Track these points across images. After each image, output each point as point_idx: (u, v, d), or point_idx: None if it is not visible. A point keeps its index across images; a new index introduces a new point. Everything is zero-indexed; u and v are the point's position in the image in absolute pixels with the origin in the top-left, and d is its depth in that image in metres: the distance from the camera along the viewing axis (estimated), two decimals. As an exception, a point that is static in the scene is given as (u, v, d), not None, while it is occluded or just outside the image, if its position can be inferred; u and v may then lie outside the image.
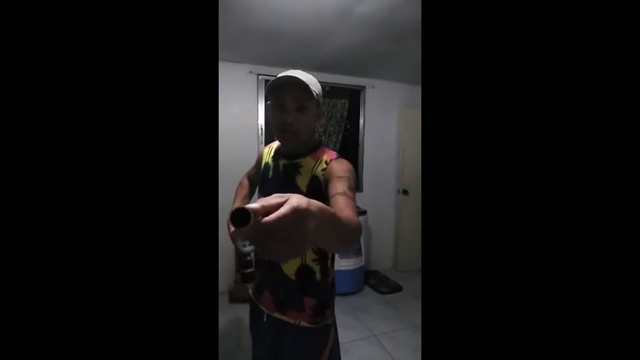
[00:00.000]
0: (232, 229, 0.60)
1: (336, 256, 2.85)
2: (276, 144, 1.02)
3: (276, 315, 0.93)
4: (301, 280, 0.90)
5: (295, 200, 0.31)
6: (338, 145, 3.28)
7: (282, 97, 0.81)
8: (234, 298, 2.62)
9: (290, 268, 0.90)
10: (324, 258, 0.91)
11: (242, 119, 2.96)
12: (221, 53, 2.62)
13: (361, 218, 3.02)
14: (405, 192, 3.42)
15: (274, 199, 0.32)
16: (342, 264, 2.82)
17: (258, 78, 2.98)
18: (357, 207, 3.29)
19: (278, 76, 0.81)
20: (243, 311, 1.84)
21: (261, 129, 3.03)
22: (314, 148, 0.91)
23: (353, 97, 3.35)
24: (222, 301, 2.61)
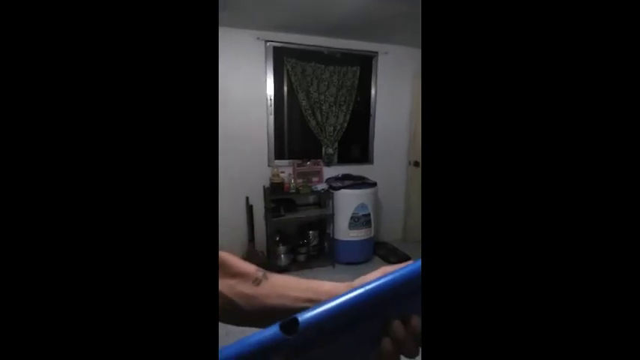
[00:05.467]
0: None
1: (347, 226, 2.89)
2: None
3: None
4: None
5: None
6: (348, 116, 3.19)
7: None
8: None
9: None
10: None
11: (250, 88, 2.88)
12: (226, 19, 2.51)
13: (371, 190, 3.02)
14: (417, 163, 3.38)
15: None
16: (352, 234, 2.87)
17: (266, 45, 2.87)
18: (367, 178, 3.21)
19: None
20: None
21: (270, 99, 2.96)
22: None
23: (365, 64, 3.21)
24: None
